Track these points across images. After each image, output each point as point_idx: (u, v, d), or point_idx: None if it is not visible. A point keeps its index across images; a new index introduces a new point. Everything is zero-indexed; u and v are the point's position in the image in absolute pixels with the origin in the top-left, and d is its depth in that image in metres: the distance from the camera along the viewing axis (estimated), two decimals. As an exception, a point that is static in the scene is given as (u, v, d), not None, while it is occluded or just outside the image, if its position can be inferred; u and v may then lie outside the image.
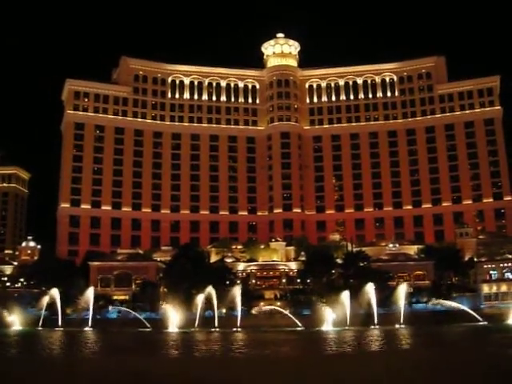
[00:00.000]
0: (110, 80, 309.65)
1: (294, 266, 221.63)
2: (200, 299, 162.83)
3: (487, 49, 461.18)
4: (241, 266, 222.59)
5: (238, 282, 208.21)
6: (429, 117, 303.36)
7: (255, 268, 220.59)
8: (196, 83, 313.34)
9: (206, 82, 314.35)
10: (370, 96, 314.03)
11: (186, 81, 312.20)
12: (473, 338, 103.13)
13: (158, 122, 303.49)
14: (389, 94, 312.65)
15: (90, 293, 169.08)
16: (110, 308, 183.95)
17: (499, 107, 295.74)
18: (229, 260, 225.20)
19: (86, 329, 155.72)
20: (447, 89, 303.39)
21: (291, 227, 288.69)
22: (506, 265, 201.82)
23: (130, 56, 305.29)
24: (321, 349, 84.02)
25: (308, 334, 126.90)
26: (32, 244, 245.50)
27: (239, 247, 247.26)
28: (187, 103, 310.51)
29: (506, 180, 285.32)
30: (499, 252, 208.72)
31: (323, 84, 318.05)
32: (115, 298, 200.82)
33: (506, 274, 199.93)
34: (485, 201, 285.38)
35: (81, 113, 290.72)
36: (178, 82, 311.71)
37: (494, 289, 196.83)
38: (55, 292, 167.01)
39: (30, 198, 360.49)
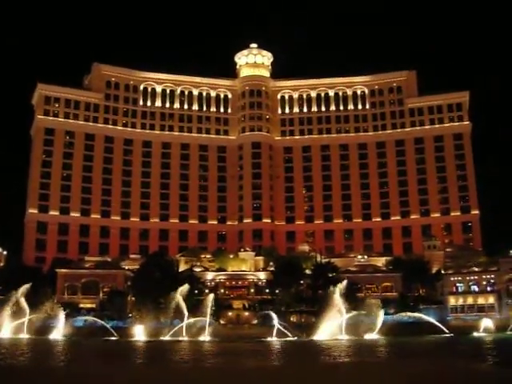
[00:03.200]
0: (81, 86, 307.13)
1: (262, 276, 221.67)
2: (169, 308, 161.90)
3: (457, 64, 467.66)
4: (210, 276, 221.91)
5: (207, 291, 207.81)
6: (399, 130, 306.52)
7: (224, 278, 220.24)
8: (168, 91, 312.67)
9: (179, 90, 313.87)
10: (342, 108, 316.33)
11: (158, 88, 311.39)
12: (438, 350, 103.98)
13: (129, 129, 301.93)
14: (360, 106, 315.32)
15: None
16: (83, 317, 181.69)
17: (468, 122, 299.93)
18: (198, 269, 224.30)
19: (51, 337, 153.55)
20: (417, 103, 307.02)
21: (261, 237, 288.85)
22: (472, 277, 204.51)
23: (102, 62, 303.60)
24: (285, 359, 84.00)
25: (274, 344, 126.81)
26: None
27: (208, 256, 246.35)
28: (159, 111, 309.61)
29: (473, 194, 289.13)
30: (466, 265, 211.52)
31: (295, 95, 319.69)
32: (82, 306, 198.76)
33: (472, 287, 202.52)
34: (452, 214, 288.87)
35: (51, 118, 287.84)
36: (150, 89, 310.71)
37: (460, 301, 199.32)
38: (22, 299, 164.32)
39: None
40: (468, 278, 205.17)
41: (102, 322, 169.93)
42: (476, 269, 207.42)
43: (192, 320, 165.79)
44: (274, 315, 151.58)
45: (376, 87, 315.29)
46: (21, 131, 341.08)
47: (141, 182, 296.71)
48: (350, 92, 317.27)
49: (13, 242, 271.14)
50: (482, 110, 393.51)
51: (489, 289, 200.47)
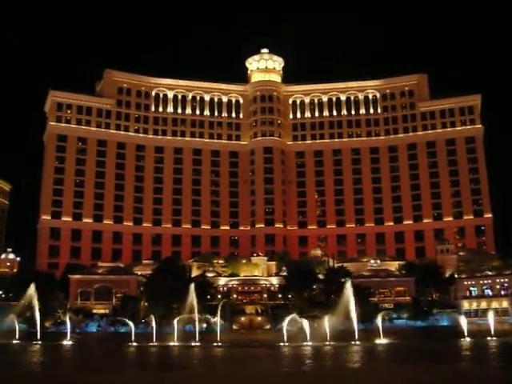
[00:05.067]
0: (93, 92, 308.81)
1: (275, 281, 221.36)
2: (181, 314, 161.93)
3: (469, 67, 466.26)
4: (222, 281, 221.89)
5: (220, 296, 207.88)
6: (411, 134, 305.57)
7: (236, 283, 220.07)
8: (180, 97, 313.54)
9: (190, 95, 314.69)
10: (353, 112, 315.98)
11: (170, 94, 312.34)
12: (457, 354, 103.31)
13: (141, 135, 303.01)
14: (371, 110, 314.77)
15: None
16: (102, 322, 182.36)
17: (480, 125, 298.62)
18: (210, 275, 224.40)
19: (65, 342, 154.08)
20: (429, 106, 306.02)
21: (273, 242, 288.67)
22: (485, 281, 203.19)
23: (113, 69, 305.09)
24: (298, 364, 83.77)
25: (287, 349, 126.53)
26: (11, 256, 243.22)
27: (221, 262, 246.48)
28: (170, 117, 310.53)
29: (486, 197, 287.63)
30: (479, 269, 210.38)
31: (306, 100, 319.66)
32: (95, 311, 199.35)
33: (486, 291, 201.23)
34: (465, 218, 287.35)
35: (63, 124, 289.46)
36: (161, 95, 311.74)
37: (474, 305, 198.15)
38: (35, 303, 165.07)
39: (10, 210, 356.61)
40: (481, 281, 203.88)
41: (125, 326, 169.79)
42: (489, 272, 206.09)
43: (204, 325, 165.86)
44: (285, 321, 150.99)
45: (387, 91, 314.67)
46: (34, 138, 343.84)
47: (153, 188, 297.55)
48: (361, 96, 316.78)
49: (26, 248, 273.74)
50: (494, 113, 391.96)
51: (503, 293, 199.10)
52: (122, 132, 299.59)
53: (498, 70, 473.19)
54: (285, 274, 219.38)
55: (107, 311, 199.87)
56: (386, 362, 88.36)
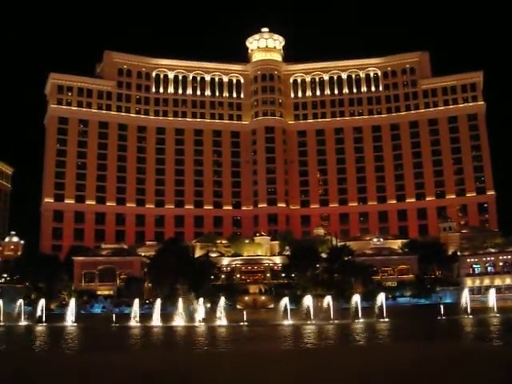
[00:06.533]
0: (93, 74, 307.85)
1: (278, 260, 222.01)
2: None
3: (471, 44, 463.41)
4: (225, 261, 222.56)
5: (223, 276, 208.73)
6: (413, 112, 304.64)
7: (240, 263, 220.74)
8: (180, 77, 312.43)
9: (191, 76, 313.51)
10: (355, 91, 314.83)
11: (171, 75, 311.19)
12: (456, 331, 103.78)
13: (142, 116, 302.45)
14: (373, 88, 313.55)
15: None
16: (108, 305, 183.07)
17: (482, 102, 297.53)
18: (213, 255, 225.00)
19: (69, 324, 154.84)
20: (431, 84, 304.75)
21: (276, 222, 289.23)
22: (488, 259, 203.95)
23: (113, 50, 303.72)
24: (302, 342, 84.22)
25: (291, 328, 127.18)
26: (15, 239, 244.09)
27: (224, 242, 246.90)
28: (171, 97, 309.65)
29: (488, 175, 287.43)
30: (482, 246, 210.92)
31: (308, 79, 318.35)
32: (99, 293, 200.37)
33: (489, 268, 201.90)
34: (468, 195, 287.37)
35: (64, 107, 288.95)
36: (162, 76, 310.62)
37: (477, 283, 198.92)
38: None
39: (13, 193, 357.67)
40: (484, 259, 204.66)
41: (129, 307, 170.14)
42: (492, 250, 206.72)
43: (208, 305, 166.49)
44: (286, 300, 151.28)
45: (389, 69, 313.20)
46: (35, 121, 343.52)
47: (155, 169, 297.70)
48: (362, 74, 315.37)
49: (30, 231, 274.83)
50: (496, 90, 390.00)
51: (505, 270, 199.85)
52: (123, 113, 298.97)
53: (499, 46, 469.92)
54: (288, 253, 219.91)
55: (111, 292, 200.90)
56: (388, 339, 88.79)
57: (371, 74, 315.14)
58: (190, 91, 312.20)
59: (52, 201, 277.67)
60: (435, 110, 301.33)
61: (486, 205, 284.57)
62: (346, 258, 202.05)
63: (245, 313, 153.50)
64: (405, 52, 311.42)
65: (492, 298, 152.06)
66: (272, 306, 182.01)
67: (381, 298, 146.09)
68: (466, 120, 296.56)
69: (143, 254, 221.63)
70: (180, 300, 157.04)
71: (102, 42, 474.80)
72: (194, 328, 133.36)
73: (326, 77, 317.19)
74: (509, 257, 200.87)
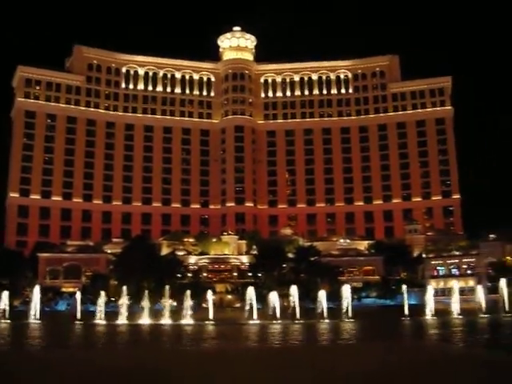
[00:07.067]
0: (63, 68, 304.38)
1: (245, 259, 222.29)
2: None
3: (441, 49, 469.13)
4: (192, 259, 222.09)
5: (190, 275, 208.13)
6: (381, 115, 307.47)
7: (206, 261, 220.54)
8: (151, 74, 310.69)
9: (161, 73, 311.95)
10: (325, 92, 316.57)
11: (141, 71, 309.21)
12: (416, 332, 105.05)
13: (111, 112, 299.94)
14: (343, 90, 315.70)
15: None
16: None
17: (450, 107, 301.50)
18: (180, 253, 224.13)
19: (32, 321, 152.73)
20: (400, 88, 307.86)
21: (243, 221, 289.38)
22: (452, 261, 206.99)
23: (84, 44, 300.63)
24: (267, 342, 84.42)
25: (257, 327, 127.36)
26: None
27: (191, 240, 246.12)
28: (141, 94, 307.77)
29: (454, 178, 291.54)
30: (447, 249, 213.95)
31: (278, 79, 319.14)
32: (64, 290, 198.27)
33: (453, 270, 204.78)
34: (434, 198, 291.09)
35: (32, 101, 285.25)
36: (132, 72, 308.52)
37: (441, 284, 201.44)
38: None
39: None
40: (449, 261, 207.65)
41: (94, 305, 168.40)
42: (457, 252, 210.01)
43: (174, 303, 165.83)
44: (253, 297, 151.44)
45: (359, 71, 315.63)
46: (1, 114, 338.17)
47: (123, 166, 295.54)
48: (333, 76, 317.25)
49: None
50: (464, 95, 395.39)
51: (469, 272, 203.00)
52: (92, 109, 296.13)
53: (468, 52, 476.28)
54: (255, 252, 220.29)
55: (76, 290, 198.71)
56: (352, 339, 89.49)
57: (341, 76, 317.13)
58: (160, 88, 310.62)
59: (17, 196, 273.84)
60: (404, 113, 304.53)
61: (451, 208, 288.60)
62: (312, 259, 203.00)
63: (211, 311, 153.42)
64: (375, 55, 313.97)
65: (455, 300, 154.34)
66: (238, 305, 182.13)
67: (347, 299, 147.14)
68: (433, 124, 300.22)
69: (109, 252, 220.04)
70: (146, 298, 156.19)
71: (72, 36, 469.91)
72: (161, 326, 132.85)
73: (296, 77, 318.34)
74: (472, 259, 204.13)
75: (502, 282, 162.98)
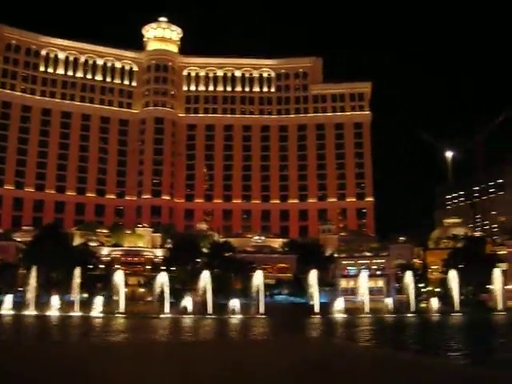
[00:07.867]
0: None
1: (159, 253, 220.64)
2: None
3: (363, 55, 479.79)
4: (105, 251, 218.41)
5: (102, 266, 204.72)
6: (302, 115, 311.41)
7: (120, 253, 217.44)
8: (71, 59, 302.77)
9: (83, 58, 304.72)
10: (247, 89, 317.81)
11: (61, 55, 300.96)
12: (327, 329, 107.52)
13: (28, 95, 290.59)
14: (265, 89, 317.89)
15: None
16: None
17: (368, 112, 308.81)
18: (93, 244, 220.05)
19: None
20: (321, 90, 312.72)
21: (159, 214, 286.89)
22: (363, 261, 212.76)
23: (2, 23, 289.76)
24: (178, 335, 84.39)
25: (166, 320, 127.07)
26: None
27: (105, 231, 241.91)
28: (60, 79, 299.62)
29: (369, 182, 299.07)
30: (358, 249, 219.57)
31: (202, 73, 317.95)
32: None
33: (363, 271, 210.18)
34: (348, 200, 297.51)
35: None
36: (52, 55, 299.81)
37: (351, 284, 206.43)
38: None
39: None
40: (359, 261, 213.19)
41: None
42: (367, 253, 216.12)
43: (85, 295, 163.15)
44: (167, 293, 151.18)
45: (282, 71, 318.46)
46: None
47: (37, 151, 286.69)
48: (256, 74, 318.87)
49: None
50: (382, 101, 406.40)
51: (378, 273, 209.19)
52: (8, 91, 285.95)
53: (388, 60, 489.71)
54: (169, 246, 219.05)
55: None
56: (263, 334, 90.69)
57: (265, 75, 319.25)
58: (80, 74, 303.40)
59: None
60: (323, 115, 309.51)
61: (364, 210, 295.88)
62: (226, 254, 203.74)
63: (122, 304, 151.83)
64: (299, 56, 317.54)
65: (364, 299, 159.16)
66: (150, 298, 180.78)
67: (259, 295, 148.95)
68: (351, 128, 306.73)
69: (19, 240, 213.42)
70: (55, 289, 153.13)
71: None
72: (70, 318, 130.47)
73: (220, 73, 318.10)
74: (382, 261, 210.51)
75: (408, 277, 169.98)
